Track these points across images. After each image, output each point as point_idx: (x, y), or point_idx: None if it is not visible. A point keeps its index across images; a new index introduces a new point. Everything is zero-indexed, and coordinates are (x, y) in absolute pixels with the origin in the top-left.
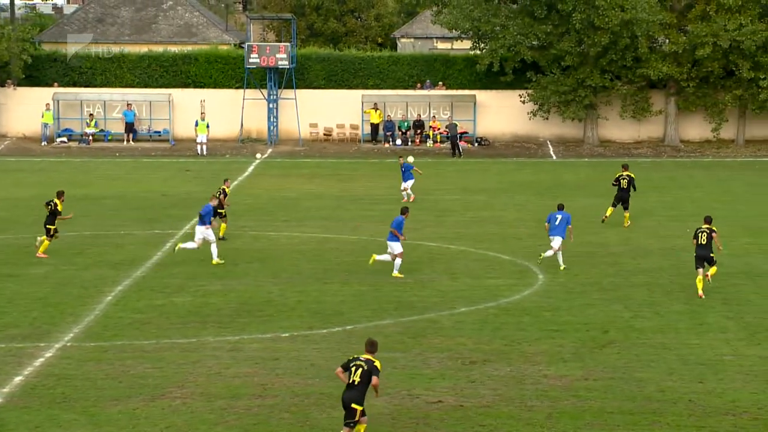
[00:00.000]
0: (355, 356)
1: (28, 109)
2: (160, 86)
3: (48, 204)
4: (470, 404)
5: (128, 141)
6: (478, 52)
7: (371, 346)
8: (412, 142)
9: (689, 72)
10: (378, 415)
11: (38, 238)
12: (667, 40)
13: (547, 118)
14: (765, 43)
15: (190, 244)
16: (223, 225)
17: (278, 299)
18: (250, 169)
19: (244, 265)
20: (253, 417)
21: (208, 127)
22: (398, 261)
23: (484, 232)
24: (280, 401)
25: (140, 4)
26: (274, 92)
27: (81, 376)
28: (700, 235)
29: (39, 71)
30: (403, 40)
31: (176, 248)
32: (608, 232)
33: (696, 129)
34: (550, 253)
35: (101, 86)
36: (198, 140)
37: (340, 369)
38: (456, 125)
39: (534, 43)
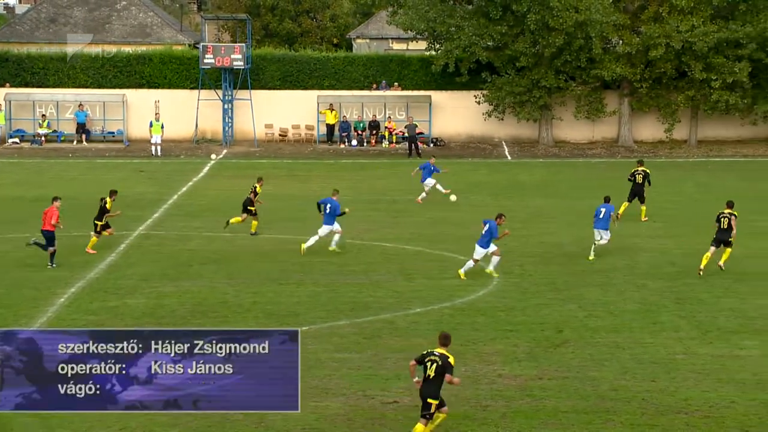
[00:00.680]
0: (430, 350)
1: None
2: (114, 87)
3: (103, 200)
4: None
5: (80, 141)
6: (434, 52)
7: (445, 339)
8: (367, 142)
9: (642, 73)
10: (333, 416)
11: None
12: (621, 41)
13: (502, 119)
14: (717, 44)
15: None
16: (255, 222)
17: (233, 300)
18: (205, 170)
19: (198, 267)
20: (207, 419)
21: (162, 127)
22: (496, 258)
23: (440, 232)
24: None
25: (93, 4)
26: (229, 93)
27: None
28: (722, 219)
29: None
30: (358, 40)
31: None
32: (562, 231)
33: (649, 129)
34: (602, 242)
35: (54, 86)
36: (152, 141)
37: (413, 362)
38: (415, 125)
39: (489, 43)
